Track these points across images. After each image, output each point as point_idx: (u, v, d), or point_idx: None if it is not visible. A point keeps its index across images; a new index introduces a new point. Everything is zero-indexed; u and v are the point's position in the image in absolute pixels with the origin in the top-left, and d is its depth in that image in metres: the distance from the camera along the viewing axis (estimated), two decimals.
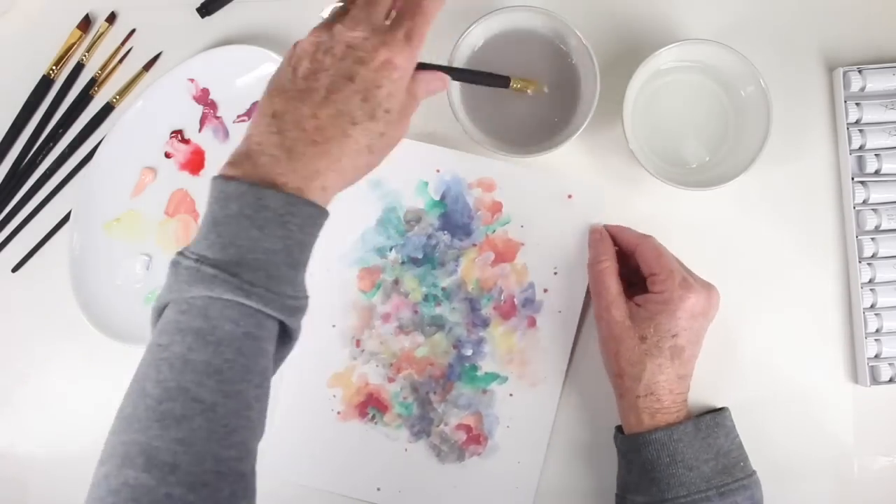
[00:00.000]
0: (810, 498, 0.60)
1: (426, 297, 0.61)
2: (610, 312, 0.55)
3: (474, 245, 0.61)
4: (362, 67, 0.44)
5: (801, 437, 0.60)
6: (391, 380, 0.60)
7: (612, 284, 0.55)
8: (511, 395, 0.60)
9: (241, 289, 0.40)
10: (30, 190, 0.64)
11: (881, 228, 0.59)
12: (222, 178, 0.42)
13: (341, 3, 0.48)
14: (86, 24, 0.64)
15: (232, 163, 0.43)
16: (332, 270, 0.61)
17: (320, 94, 0.43)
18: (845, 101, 0.60)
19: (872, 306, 0.59)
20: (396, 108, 0.46)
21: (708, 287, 0.55)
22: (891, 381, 0.59)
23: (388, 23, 0.47)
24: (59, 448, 0.62)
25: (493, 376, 0.60)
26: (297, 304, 0.43)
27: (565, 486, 0.58)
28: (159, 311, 0.43)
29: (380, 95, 0.44)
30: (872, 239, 0.59)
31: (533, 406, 0.60)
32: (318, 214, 0.43)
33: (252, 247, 0.40)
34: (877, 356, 0.59)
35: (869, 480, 0.60)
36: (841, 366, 0.60)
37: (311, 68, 0.44)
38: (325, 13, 0.48)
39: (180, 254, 0.42)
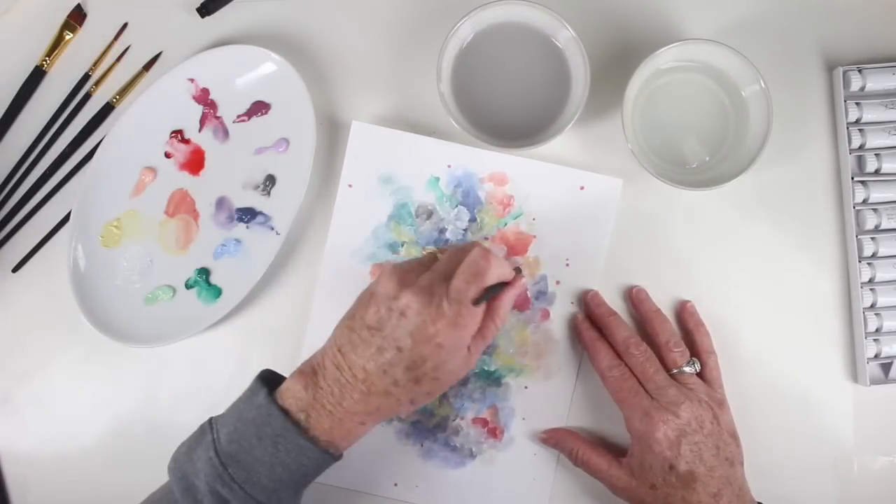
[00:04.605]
0: (810, 498, 0.60)
1: None
2: (614, 484, 0.55)
3: (486, 239, 0.61)
4: (410, 340, 0.47)
5: (801, 437, 0.60)
6: None
7: (599, 462, 0.56)
8: (526, 387, 0.60)
9: (221, 478, 0.46)
10: (30, 190, 0.64)
11: (881, 228, 0.59)
12: (260, 381, 0.49)
13: (435, 251, 0.52)
14: (78, 14, 0.64)
15: (301, 371, 0.49)
16: (344, 266, 0.61)
17: (372, 350, 0.47)
18: (845, 101, 0.60)
19: (872, 306, 0.59)
20: (444, 374, 0.49)
21: (677, 403, 0.53)
22: (891, 380, 0.59)
23: (448, 303, 0.48)
24: (59, 448, 0.62)
25: (508, 369, 0.60)
26: None
27: (581, 477, 0.58)
28: (177, 472, 0.48)
29: (425, 367, 0.48)
30: (872, 238, 0.59)
31: (548, 398, 0.60)
32: (308, 449, 0.47)
33: (248, 450, 0.47)
34: (876, 356, 0.59)
35: (869, 480, 0.60)
36: (841, 366, 0.60)
37: (375, 320, 0.48)
38: (430, 248, 0.55)
39: (210, 421, 0.49)
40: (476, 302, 0.49)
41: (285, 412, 0.47)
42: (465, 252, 0.49)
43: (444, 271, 0.49)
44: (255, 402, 0.48)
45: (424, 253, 0.53)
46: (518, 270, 0.54)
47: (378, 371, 0.47)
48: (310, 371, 0.49)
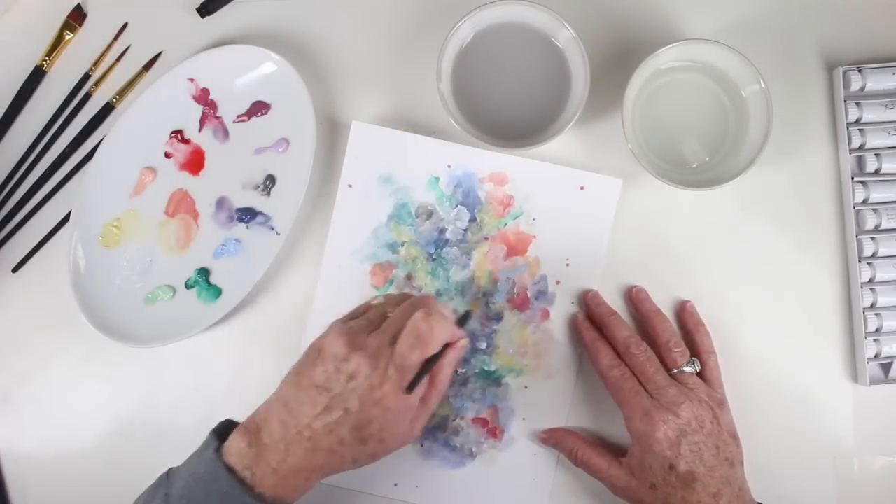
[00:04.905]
0: (810, 498, 0.60)
1: (439, 292, 0.61)
2: (614, 484, 0.55)
3: (486, 239, 0.61)
4: (358, 402, 0.47)
5: (801, 437, 0.60)
6: None
7: (599, 462, 0.56)
8: (526, 387, 0.60)
9: None
10: (30, 190, 0.64)
11: (881, 228, 0.59)
12: (214, 434, 0.49)
13: (384, 305, 0.51)
14: (78, 14, 0.64)
15: (245, 428, 0.49)
16: (345, 266, 0.61)
17: (319, 409, 0.47)
18: (845, 101, 0.60)
19: (872, 306, 0.59)
20: (389, 437, 0.49)
21: (677, 403, 0.53)
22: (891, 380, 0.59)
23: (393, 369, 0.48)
24: (59, 448, 0.62)
25: (508, 369, 0.60)
26: None
27: (581, 477, 0.58)
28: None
29: (371, 429, 0.48)
30: (872, 238, 0.59)
31: (548, 398, 0.60)
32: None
33: (195, 499, 0.47)
34: (876, 356, 0.59)
35: (869, 480, 0.60)
36: (841, 366, 0.60)
37: (323, 380, 0.48)
38: (376, 298, 0.54)
39: (168, 474, 0.49)
40: (423, 368, 0.49)
41: (231, 469, 0.47)
42: (412, 308, 0.49)
43: (392, 332, 0.49)
44: (204, 456, 0.48)
45: (373, 303, 0.53)
46: (467, 315, 0.54)
47: (324, 430, 0.47)
48: (254, 428, 0.48)
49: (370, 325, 0.50)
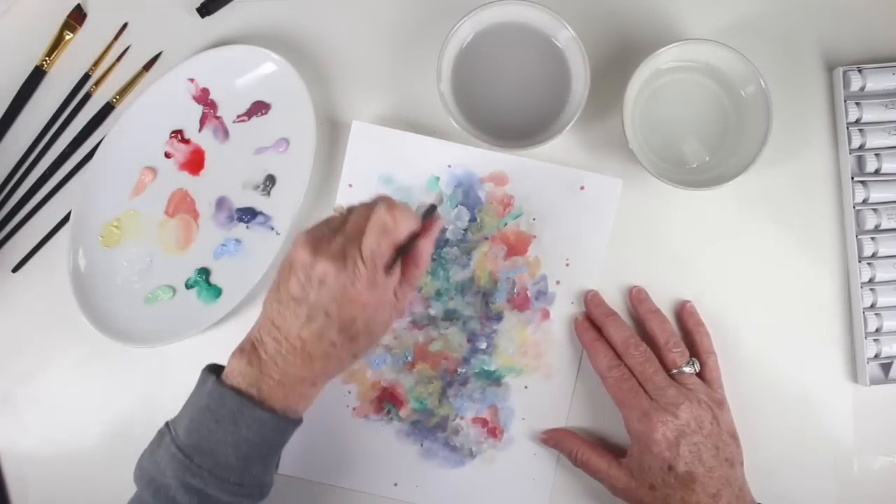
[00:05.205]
0: (810, 498, 0.60)
1: (439, 292, 0.61)
2: (613, 485, 0.55)
3: (486, 239, 0.61)
4: (335, 304, 0.47)
5: (801, 437, 0.60)
6: (406, 375, 0.60)
7: (599, 463, 0.56)
8: (526, 387, 0.60)
9: (189, 470, 0.47)
10: (30, 190, 0.64)
11: (881, 228, 0.59)
12: (208, 370, 0.49)
13: (343, 209, 0.51)
14: (78, 14, 0.64)
15: (241, 348, 0.49)
16: None
17: (302, 319, 0.48)
18: (845, 101, 0.60)
19: (872, 306, 0.59)
20: (377, 326, 0.49)
21: (677, 404, 0.53)
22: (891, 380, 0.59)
23: (362, 262, 0.47)
24: (59, 448, 0.62)
25: (508, 369, 0.60)
26: (244, 490, 0.48)
27: (581, 477, 0.58)
28: (143, 479, 0.48)
29: (356, 326, 0.48)
30: (872, 238, 0.59)
31: (548, 398, 0.60)
32: (268, 419, 0.47)
33: (208, 436, 0.47)
34: (876, 356, 0.59)
35: (869, 480, 0.60)
36: (841, 366, 0.60)
37: (298, 291, 0.48)
38: (337, 205, 0.53)
39: (166, 424, 0.49)
40: (398, 254, 0.49)
41: (237, 391, 0.47)
42: (371, 209, 0.49)
43: (354, 232, 0.48)
44: (204, 390, 0.48)
45: (333, 212, 0.52)
46: (433, 208, 0.52)
47: (313, 337, 0.48)
48: (249, 347, 0.49)
49: (332, 231, 0.50)
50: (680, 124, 0.60)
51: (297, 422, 0.50)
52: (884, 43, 0.62)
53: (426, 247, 0.51)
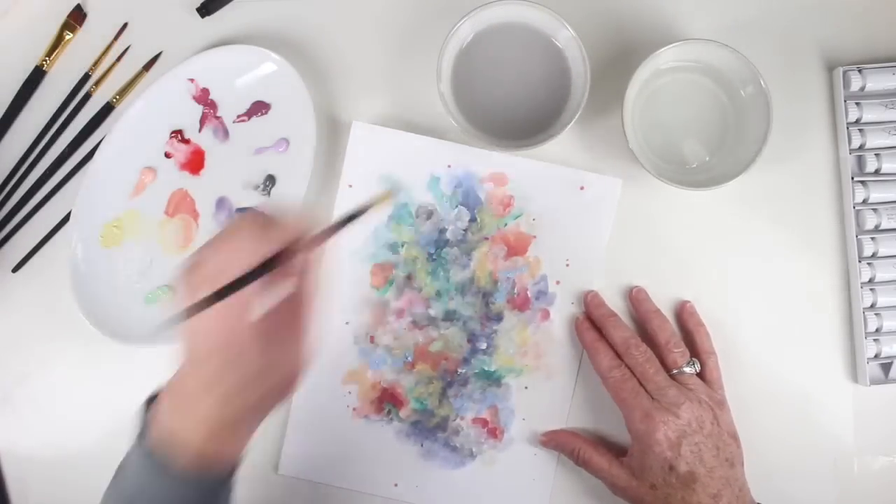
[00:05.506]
0: (810, 498, 0.60)
1: (439, 292, 0.61)
2: (615, 484, 0.55)
3: (486, 239, 0.61)
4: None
5: (801, 437, 0.60)
6: (406, 375, 0.60)
7: (600, 462, 0.56)
8: (526, 387, 0.60)
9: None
10: (30, 190, 0.64)
11: (881, 228, 0.59)
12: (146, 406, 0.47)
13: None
14: (78, 14, 0.64)
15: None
16: (345, 267, 0.61)
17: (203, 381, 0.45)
18: (845, 101, 0.60)
19: (872, 306, 0.59)
20: (270, 363, 0.43)
21: (678, 404, 0.54)
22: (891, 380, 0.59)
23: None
24: (59, 448, 0.62)
25: (508, 369, 0.60)
26: None
27: (581, 477, 0.58)
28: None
29: (236, 375, 0.43)
30: (872, 238, 0.59)
31: (548, 398, 0.60)
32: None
33: None
34: (876, 356, 0.59)
35: (869, 480, 0.60)
36: (841, 366, 0.60)
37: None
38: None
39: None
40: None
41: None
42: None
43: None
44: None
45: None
46: (354, 216, 0.43)
47: (224, 400, 0.44)
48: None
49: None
50: (680, 124, 0.60)
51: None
52: (884, 43, 0.62)
53: (308, 260, 0.43)
